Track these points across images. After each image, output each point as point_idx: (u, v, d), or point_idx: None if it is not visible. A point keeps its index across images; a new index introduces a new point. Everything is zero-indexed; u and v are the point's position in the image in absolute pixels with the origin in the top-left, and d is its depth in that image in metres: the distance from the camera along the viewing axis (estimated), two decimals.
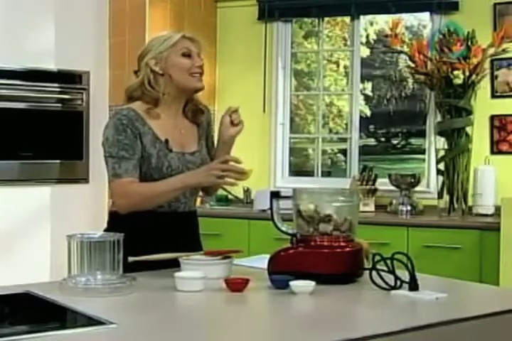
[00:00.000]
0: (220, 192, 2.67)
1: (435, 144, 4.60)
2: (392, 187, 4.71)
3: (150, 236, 2.40)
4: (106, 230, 2.41)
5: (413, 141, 5.38)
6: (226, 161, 2.31)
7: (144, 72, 2.47)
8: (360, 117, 5.21)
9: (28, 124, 4.39)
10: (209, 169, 2.31)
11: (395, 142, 5.57)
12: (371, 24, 5.45)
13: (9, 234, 4.35)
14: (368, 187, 4.75)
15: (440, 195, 4.50)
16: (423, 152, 5.03)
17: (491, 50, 4.36)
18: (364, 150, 5.29)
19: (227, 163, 2.30)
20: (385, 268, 2.05)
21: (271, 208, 2.30)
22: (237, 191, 4.97)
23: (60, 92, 4.49)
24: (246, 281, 2.05)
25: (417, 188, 4.71)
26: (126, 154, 2.37)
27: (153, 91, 2.46)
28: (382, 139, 5.60)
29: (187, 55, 2.47)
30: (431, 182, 4.81)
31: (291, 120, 5.45)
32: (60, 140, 4.51)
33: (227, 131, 2.53)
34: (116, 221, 2.45)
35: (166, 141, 2.45)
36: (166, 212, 2.46)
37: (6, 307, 1.89)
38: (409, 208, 4.58)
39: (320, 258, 2.14)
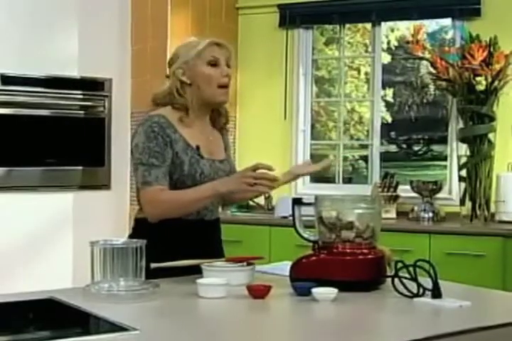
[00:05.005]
0: None
1: (457, 151, 4.58)
2: (414, 194, 4.69)
3: (175, 244, 2.39)
4: (130, 236, 2.41)
5: (435, 147, 5.36)
6: (257, 168, 2.24)
7: (171, 81, 2.46)
8: (382, 124, 5.20)
9: (50, 131, 4.43)
10: (240, 177, 2.25)
11: (416, 148, 5.56)
12: (392, 30, 5.45)
13: (32, 240, 4.39)
14: (389, 193, 4.73)
15: (462, 202, 4.47)
16: (445, 158, 5.00)
17: None
18: (385, 157, 5.28)
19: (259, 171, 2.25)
20: (408, 276, 2.04)
21: (293, 215, 2.29)
22: (259, 198, 4.96)
23: (83, 99, 4.53)
24: (268, 288, 2.05)
25: (439, 195, 4.69)
26: (156, 162, 2.34)
27: (182, 100, 2.44)
28: (404, 146, 5.59)
29: (213, 63, 2.44)
30: (453, 189, 4.78)
31: (312, 126, 5.45)
32: (82, 146, 4.54)
33: (303, 169, 2.69)
34: (142, 228, 2.43)
35: (197, 147, 2.43)
36: (194, 219, 2.43)
37: (29, 312, 1.90)
38: (431, 215, 4.56)
39: (342, 265, 2.13)
